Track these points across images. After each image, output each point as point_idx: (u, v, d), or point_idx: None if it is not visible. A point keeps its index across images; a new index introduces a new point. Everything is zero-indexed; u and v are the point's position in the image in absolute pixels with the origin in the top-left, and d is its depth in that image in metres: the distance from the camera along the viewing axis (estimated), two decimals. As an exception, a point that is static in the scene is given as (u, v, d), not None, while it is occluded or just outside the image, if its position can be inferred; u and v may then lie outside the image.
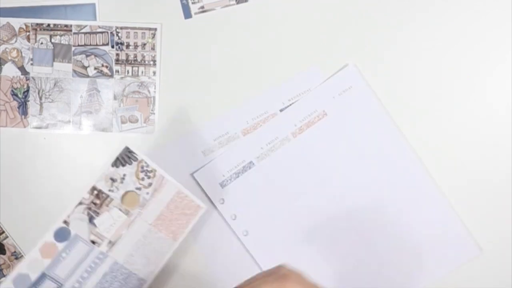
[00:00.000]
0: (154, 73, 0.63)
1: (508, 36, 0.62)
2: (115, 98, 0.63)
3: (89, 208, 0.57)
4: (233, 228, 0.63)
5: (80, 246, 0.57)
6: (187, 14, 0.63)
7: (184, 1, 0.62)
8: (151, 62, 0.63)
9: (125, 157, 0.58)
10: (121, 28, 0.62)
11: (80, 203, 0.57)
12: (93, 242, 0.57)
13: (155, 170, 0.58)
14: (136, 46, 0.63)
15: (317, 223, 0.63)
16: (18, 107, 0.63)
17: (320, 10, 0.63)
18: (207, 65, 0.63)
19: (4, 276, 0.63)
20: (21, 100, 0.63)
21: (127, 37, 0.63)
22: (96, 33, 0.63)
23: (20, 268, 0.56)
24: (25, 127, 0.63)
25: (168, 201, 0.59)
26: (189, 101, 0.63)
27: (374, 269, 0.63)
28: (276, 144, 0.63)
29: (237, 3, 0.63)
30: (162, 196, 0.59)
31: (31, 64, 0.63)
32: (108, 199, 0.58)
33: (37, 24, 0.62)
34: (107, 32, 0.63)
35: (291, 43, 0.63)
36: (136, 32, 0.63)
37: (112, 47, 0.63)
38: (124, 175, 0.58)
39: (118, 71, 0.63)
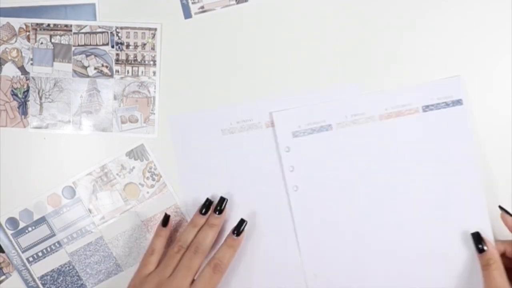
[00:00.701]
0: (154, 73, 0.63)
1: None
2: (115, 98, 0.63)
3: (96, 182, 0.63)
4: (286, 179, 0.62)
5: (79, 208, 0.63)
6: (187, 14, 0.63)
7: (184, 1, 0.62)
8: (151, 62, 0.63)
9: (138, 153, 0.62)
10: (121, 28, 0.62)
11: (90, 174, 0.63)
12: (90, 211, 0.63)
13: (161, 176, 0.62)
14: (136, 46, 0.63)
15: (360, 210, 0.63)
16: (18, 107, 0.63)
17: (320, 10, 0.63)
18: (207, 65, 0.63)
19: (4, 274, 0.63)
20: (21, 100, 0.63)
21: (127, 37, 0.63)
22: (96, 33, 0.63)
23: (28, 205, 0.63)
24: (25, 127, 0.63)
25: (164, 209, 0.63)
26: (189, 101, 0.63)
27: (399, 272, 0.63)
28: (360, 119, 0.62)
29: (237, 3, 0.63)
30: (159, 202, 0.63)
31: (31, 64, 0.63)
32: (114, 181, 0.63)
33: (37, 24, 0.62)
34: (107, 32, 0.63)
35: (291, 43, 0.63)
36: (136, 32, 0.63)
37: (112, 47, 0.63)
38: (133, 167, 0.63)
39: (118, 71, 0.63)
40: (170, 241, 0.62)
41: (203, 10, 0.63)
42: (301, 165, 0.63)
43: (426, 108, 0.63)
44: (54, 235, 0.63)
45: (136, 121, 0.63)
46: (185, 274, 0.56)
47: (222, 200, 0.60)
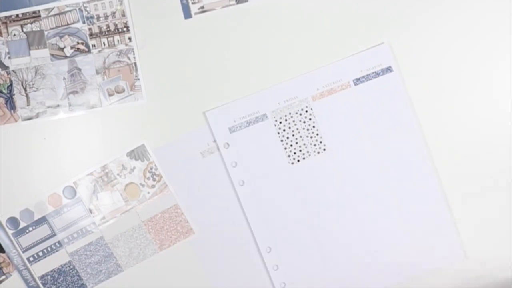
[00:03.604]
0: (130, 39, 0.63)
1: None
2: (97, 72, 0.63)
3: (97, 181, 0.63)
4: (231, 175, 0.62)
5: (80, 208, 0.63)
6: (187, 14, 0.63)
7: (184, 1, 0.62)
8: (125, 29, 0.62)
9: (139, 153, 0.62)
10: (88, 2, 0.62)
11: (91, 174, 0.62)
12: (91, 211, 0.63)
13: (161, 176, 0.62)
14: (106, 17, 0.62)
15: (314, 190, 0.63)
16: (6, 103, 0.63)
17: (320, 10, 0.63)
18: (207, 65, 0.63)
19: (4, 274, 0.63)
20: (7, 95, 0.63)
21: (96, 9, 0.62)
22: (64, 13, 0.62)
23: (29, 205, 0.62)
24: (16, 121, 0.63)
25: (164, 210, 0.63)
26: (188, 102, 0.63)
27: (364, 259, 0.64)
28: (294, 103, 0.62)
29: (237, 3, 0.63)
30: (160, 202, 0.63)
31: (9, 57, 0.63)
32: (115, 181, 0.63)
33: (5, 17, 0.62)
34: (75, 10, 0.62)
35: (291, 43, 0.63)
36: (104, 3, 0.62)
37: (83, 23, 0.63)
38: (134, 167, 0.62)
39: (94, 45, 0.63)
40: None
41: (203, 10, 0.63)
42: (243, 159, 0.62)
43: (357, 81, 0.62)
44: (54, 235, 0.63)
45: (123, 90, 0.63)
46: None
47: None
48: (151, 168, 0.63)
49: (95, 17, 0.62)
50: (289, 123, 0.62)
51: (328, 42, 0.63)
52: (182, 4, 0.63)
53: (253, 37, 0.63)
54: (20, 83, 0.63)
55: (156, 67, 0.63)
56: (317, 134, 0.62)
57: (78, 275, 0.63)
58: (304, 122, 0.62)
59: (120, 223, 0.63)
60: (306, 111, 0.62)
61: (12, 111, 0.63)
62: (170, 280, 0.64)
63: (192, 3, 0.62)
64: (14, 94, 0.63)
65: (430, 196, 0.63)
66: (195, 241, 0.63)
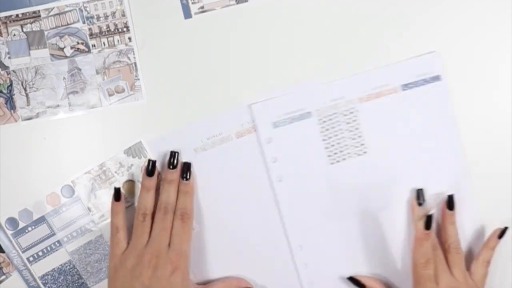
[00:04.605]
0: (130, 39, 0.63)
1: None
2: (97, 72, 0.63)
3: (95, 180, 0.63)
4: (270, 171, 0.62)
5: (78, 207, 0.63)
6: (187, 14, 0.62)
7: (184, 1, 0.62)
8: (125, 29, 0.62)
9: (136, 150, 0.62)
10: (88, 2, 0.62)
11: (89, 172, 0.63)
12: (89, 209, 0.63)
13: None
14: (106, 17, 0.62)
15: (350, 191, 0.63)
16: (6, 103, 0.63)
17: (320, 10, 0.63)
18: (207, 66, 0.63)
19: (4, 274, 0.63)
20: (7, 95, 0.63)
21: (96, 9, 0.62)
22: (64, 13, 0.62)
23: (28, 205, 0.62)
24: (16, 121, 0.63)
25: None
26: (188, 102, 0.63)
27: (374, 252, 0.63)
28: (340, 103, 0.62)
29: (237, 3, 0.62)
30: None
31: (9, 57, 0.63)
32: (112, 179, 0.63)
33: (5, 17, 0.62)
34: (75, 10, 0.62)
35: (291, 43, 0.63)
36: (103, 3, 0.62)
37: (83, 23, 0.63)
38: (132, 165, 0.62)
39: (94, 45, 0.63)
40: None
41: (203, 10, 0.62)
42: (283, 155, 0.62)
43: (405, 86, 0.62)
44: (54, 234, 0.63)
45: (123, 90, 0.63)
46: (162, 236, 0.57)
47: (173, 154, 0.60)
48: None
49: (95, 17, 0.62)
50: (333, 123, 0.62)
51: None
52: (182, 4, 0.62)
53: (253, 37, 0.63)
54: (20, 83, 0.63)
55: (156, 67, 0.63)
56: (360, 136, 0.62)
57: (79, 274, 0.63)
58: (348, 123, 0.62)
59: (119, 220, 0.63)
60: (351, 112, 0.62)
61: (12, 111, 0.63)
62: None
63: (192, 3, 0.62)
64: (14, 94, 0.63)
65: (467, 208, 0.62)
66: (195, 236, 0.62)
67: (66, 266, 0.63)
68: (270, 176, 0.62)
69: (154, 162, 0.60)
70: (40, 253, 0.63)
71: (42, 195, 0.63)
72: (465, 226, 0.62)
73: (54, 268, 0.63)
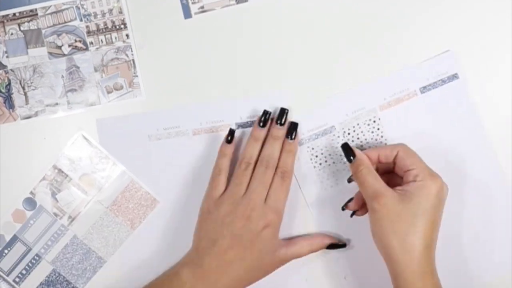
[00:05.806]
0: (127, 36, 0.62)
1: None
2: (95, 70, 0.63)
3: (52, 184, 0.63)
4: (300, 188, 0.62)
5: (45, 216, 0.63)
6: (187, 14, 0.62)
7: (184, 1, 0.62)
8: (122, 26, 0.62)
9: (80, 142, 0.62)
10: (85, -1, 0.62)
11: (44, 179, 0.63)
12: (56, 215, 0.63)
13: (108, 157, 0.62)
14: (103, 14, 0.62)
15: None
16: (4, 102, 0.63)
17: (320, 10, 0.63)
18: (207, 65, 0.63)
19: None
20: (5, 94, 0.63)
21: (93, 7, 0.62)
22: (62, 11, 0.62)
23: None
24: (15, 120, 0.63)
25: (123, 189, 0.62)
26: (188, 101, 0.63)
27: None
28: (361, 114, 0.62)
29: (237, 3, 0.62)
30: (117, 183, 0.62)
31: (7, 56, 0.63)
32: (68, 178, 0.63)
33: (3, 16, 0.62)
34: (72, 7, 0.62)
35: (291, 43, 0.62)
36: (101, 0, 0.62)
37: (81, 20, 0.62)
38: (80, 158, 0.63)
39: (92, 43, 0.63)
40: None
41: (203, 10, 0.62)
42: (308, 169, 0.62)
43: (424, 89, 0.62)
44: (30, 249, 0.62)
45: (121, 87, 0.63)
46: (260, 190, 0.57)
47: (283, 111, 0.59)
48: (96, 153, 0.62)
49: (92, 14, 0.62)
50: (357, 134, 0.62)
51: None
52: (182, 4, 0.62)
53: (253, 37, 0.63)
54: (18, 82, 0.63)
55: (156, 66, 0.63)
56: (385, 144, 0.62)
57: (66, 280, 0.62)
58: (372, 132, 0.62)
59: (87, 216, 0.62)
60: (374, 121, 0.62)
61: (11, 110, 0.63)
62: (156, 252, 0.62)
63: (192, 3, 0.62)
64: (12, 93, 0.63)
65: (498, 205, 0.61)
66: (162, 209, 0.62)
67: (52, 276, 0.62)
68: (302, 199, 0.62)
69: (269, 113, 0.59)
70: (24, 271, 0.62)
71: (7, 215, 0.62)
72: (499, 225, 0.61)
73: (41, 282, 0.62)
